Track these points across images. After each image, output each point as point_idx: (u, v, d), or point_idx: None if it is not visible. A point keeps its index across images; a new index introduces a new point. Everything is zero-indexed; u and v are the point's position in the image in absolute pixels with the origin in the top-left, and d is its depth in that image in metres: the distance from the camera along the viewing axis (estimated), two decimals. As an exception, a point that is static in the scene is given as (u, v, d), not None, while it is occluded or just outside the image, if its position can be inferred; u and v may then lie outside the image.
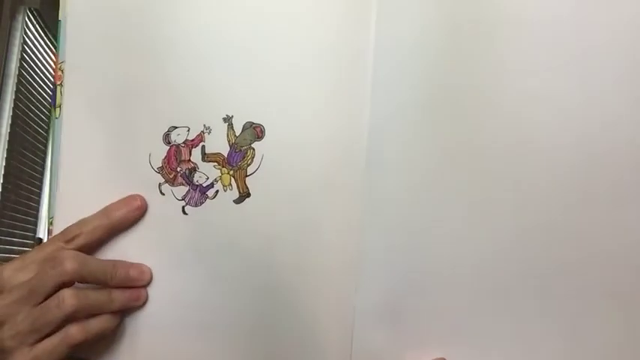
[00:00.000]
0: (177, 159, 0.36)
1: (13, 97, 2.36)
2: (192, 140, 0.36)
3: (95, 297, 0.34)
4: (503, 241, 0.32)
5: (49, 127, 2.94)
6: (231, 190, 0.36)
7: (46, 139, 2.94)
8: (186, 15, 0.36)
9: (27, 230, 2.74)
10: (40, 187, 2.90)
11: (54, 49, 2.89)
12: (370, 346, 0.34)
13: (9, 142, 2.34)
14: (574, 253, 0.30)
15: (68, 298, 0.33)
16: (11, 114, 2.35)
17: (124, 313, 0.36)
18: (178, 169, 0.36)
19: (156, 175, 0.37)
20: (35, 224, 2.85)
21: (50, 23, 2.72)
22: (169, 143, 0.37)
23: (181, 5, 0.36)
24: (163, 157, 0.37)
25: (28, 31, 2.50)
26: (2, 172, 2.32)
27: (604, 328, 0.29)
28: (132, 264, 0.36)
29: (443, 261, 0.33)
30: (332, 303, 0.35)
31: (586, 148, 0.30)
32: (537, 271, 0.31)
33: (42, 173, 2.92)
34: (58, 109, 0.38)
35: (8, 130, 2.33)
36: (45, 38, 2.76)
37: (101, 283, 0.35)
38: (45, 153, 2.95)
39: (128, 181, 0.37)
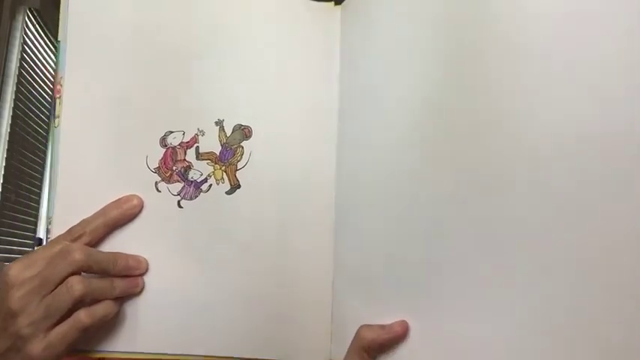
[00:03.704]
0: (173, 159, 0.41)
1: (13, 97, 2.36)
2: (187, 142, 0.41)
3: (99, 284, 0.39)
4: (461, 215, 0.35)
5: (49, 128, 2.94)
6: (224, 183, 0.41)
7: (46, 139, 2.94)
8: (179, 32, 0.41)
9: (27, 230, 2.73)
10: (40, 187, 2.90)
11: (54, 49, 2.89)
12: (347, 311, 0.40)
13: (9, 142, 2.34)
14: (533, 211, 0.31)
15: (76, 284, 0.37)
16: (11, 114, 2.35)
17: (124, 299, 0.40)
18: (174, 167, 0.41)
19: (152, 175, 0.41)
20: (35, 224, 2.85)
21: (50, 23, 2.71)
22: (166, 146, 0.41)
23: (175, 23, 0.41)
24: (160, 159, 0.41)
25: (28, 31, 2.49)
26: (2, 172, 2.32)
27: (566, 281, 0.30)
28: (130, 255, 0.40)
29: (403, 238, 0.38)
30: (313, 275, 0.41)
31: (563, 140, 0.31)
32: (494, 232, 0.33)
33: (42, 173, 2.92)
34: (57, 119, 0.41)
35: (8, 130, 2.33)
36: (45, 38, 2.76)
37: (105, 272, 0.39)
38: (45, 153, 2.95)
39: (125, 182, 0.41)
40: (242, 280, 0.41)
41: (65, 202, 0.42)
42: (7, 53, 2.30)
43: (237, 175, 0.41)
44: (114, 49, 0.41)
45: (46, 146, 2.94)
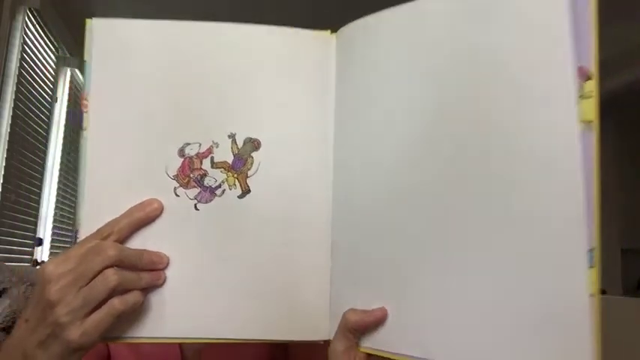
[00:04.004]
0: (190, 168, 0.47)
1: (13, 97, 2.36)
2: (203, 153, 0.47)
3: (129, 276, 0.44)
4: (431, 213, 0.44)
5: (49, 128, 2.94)
6: (235, 188, 0.47)
7: (46, 139, 2.95)
8: (198, 59, 0.48)
9: (27, 230, 2.73)
10: (40, 187, 2.90)
11: (54, 49, 2.89)
12: (342, 297, 0.47)
13: (9, 142, 2.34)
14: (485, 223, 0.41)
15: (112, 275, 0.42)
16: (11, 114, 2.35)
17: (147, 290, 0.46)
18: (191, 175, 0.47)
19: (171, 182, 0.47)
20: (35, 224, 2.85)
21: (50, 23, 2.72)
22: (183, 156, 0.47)
23: (195, 51, 0.48)
24: (178, 167, 0.47)
25: (28, 31, 2.49)
26: (2, 172, 2.32)
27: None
28: (153, 252, 0.46)
29: (388, 239, 0.45)
30: (313, 265, 0.48)
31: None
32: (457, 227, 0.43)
33: (42, 173, 2.92)
34: (85, 132, 0.47)
35: (8, 130, 2.33)
36: (45, 38, 2.76)
37: (132, 266, 0.45)
38: (45, 153, 2.95)
39: (147, 188, 0.47)
40: (251, 272, 0.47)
41: (92, 206, 0.47)
42: (7, 53, 2.30)
43: (247, 181, 0.48)
44: (138, 71, 0.48)
45: (46, 146, 2.94)
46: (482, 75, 0.41)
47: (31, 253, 2.84)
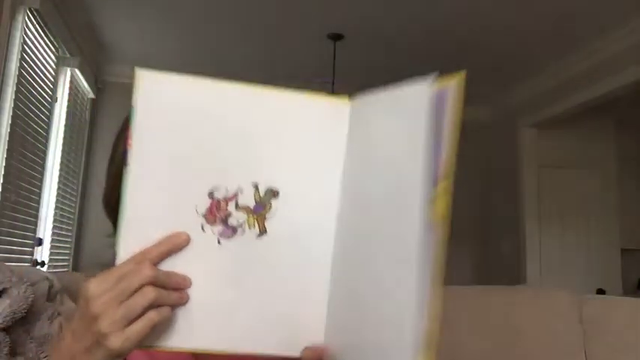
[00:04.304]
0: (217, 208, 0.54)
1: (13, 97, 2.36)
2: (230, 197, 0.55)
3: (162, 292, 0.52)
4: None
5: (49, 128, 2.94)
6: (255, 228, 0.55)
7: (46, 139, 2.95)
8: (230, 117, 0.56)
9: (27, 230, 2.73)
10: (40, 187, 2.90)
11: (54, 49, 2.89)
12: (336, 322, 0.56)
13: (9, 142, 2.34)
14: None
15: (151, 292, 0.51)
16: (11, 114, 2.35)
17: (175, 307, 0.54)
18: (217, 214, 0.54)
19: (200, 218, 0.54)
20: (35, 224, 2.85)
21: (50, 23, 2.71)
22: (212, 198, 0.54)
23: (228, 111, 0.56)
24: (207, 207, 0.54)
25: (28, 31, 2.49)
26: (2, 172, 2.32)
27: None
28: (180, 274, 0.54)
29: (344, 283, 0.56)
30: (313, 299, 0.57)
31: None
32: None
33: (42, 173, 2.91)
34: (128, 167, 0.54)
35: (8, 130, 2.33)
36: (45, 38, 2.76)
37: (163, 286, 0.52)
38: (45, 153, 2.95)
39: (177, 222, 0.54)
40: (264, 298, 0.56)
41: (129, 234, 0.54)
42: (7, 53, 2.30)
43: (265, 223, 0.55)
44: (177, 120, 0.55)
45: (46, 146, 2.94)
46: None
47: (31, 253, 2.84)
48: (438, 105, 0.47)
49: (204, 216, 0.54)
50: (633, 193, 4.66)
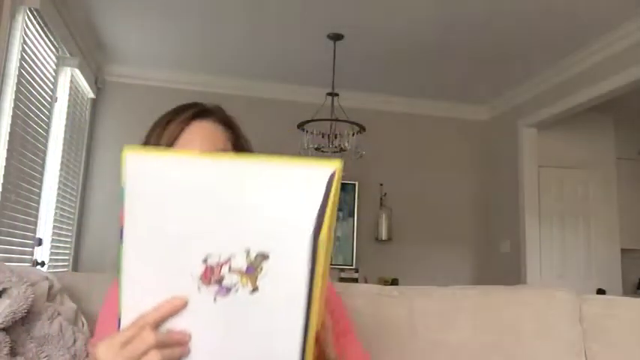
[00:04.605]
0: (211, 272, 0.59)
1: (13, 97, 2.36)
2: (223, 262, 0.59)
3: (166, 352, 0.60)
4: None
5: (49, 128, 2.94)
6: (247, 286, 0.59)
7: (46, 139, 2.95)
8: (218, 187, 0.59)
9: (27, 230, 2.73)
10: (40, 187, 2.90)
11: (54, 49, 2.89)
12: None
13: (9, 142, 2.34)
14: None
15: (155, 355, 0.59)
16: (11, 114, 2.35)
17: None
18: (212, 278, 0.59)
19: (195, 282, 0.59)
20: (35, 224, 2.85)
21: (50, 23, 2.71)
22: (206, 263, 0.59)
23: (214, 182, 0.59)
24: (202, 272, 0.59)
25: (28, 31, 2.49)
26: (2, 172, 2.32)
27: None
28: (178, 332, 0.61)
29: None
30: (291, 339, 0.62)
31: None
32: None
33: (42, 173, 2.91)
34: (122, 245, 0.59)
35: (8, 130, 2.33)
36: (45, 38, 2.76)
37: (165, 346, 0.60)
38: (45, 153, 2.95)
39: (174, 286, 0.60)
40: (253, 344, 0.62)
41: (131, 300, 0.61)
42: (7, 53, 2.30)
43: (256, 282, 0.59)
44: (166, 198, 0.58)
45: (46, 146, 2.94)
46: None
47: (31, 253, 2.84)
48: (328, 183, 0.58)
49: (200, 279, 0.59)
50: (633, 194, 4.66)
